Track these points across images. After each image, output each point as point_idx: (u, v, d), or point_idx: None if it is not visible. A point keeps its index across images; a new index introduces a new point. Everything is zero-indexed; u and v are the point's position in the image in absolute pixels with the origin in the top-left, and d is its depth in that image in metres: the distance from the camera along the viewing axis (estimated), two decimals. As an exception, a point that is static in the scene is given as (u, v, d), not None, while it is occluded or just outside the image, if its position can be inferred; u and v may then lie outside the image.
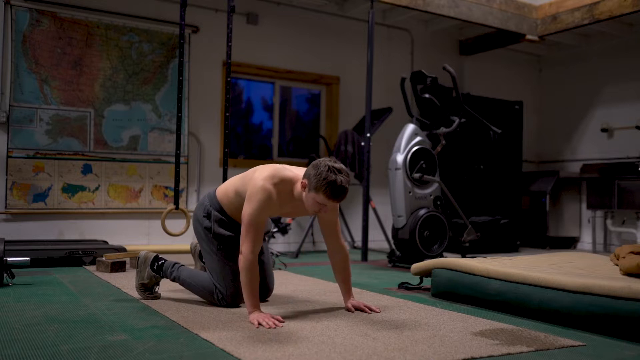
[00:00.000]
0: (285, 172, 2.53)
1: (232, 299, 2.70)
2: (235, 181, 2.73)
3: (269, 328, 2.28)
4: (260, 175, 2.49)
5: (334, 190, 2.33)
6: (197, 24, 5.70)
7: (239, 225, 2.68)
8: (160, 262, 2.91)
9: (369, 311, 2.65)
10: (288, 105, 6.69)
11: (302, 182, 2.42)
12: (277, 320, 2.37)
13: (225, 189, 2.77)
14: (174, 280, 2.88)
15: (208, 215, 2.76)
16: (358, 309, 2.69)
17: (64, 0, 5.12)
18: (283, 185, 2.50)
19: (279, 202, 2.50)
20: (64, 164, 5.11)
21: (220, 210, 2.75)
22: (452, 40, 7.33)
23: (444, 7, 5.94)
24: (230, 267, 2.69)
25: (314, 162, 2.40)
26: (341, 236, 2.71)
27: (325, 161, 2.37)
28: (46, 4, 5.04)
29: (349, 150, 5.74)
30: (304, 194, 2.43)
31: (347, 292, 2.75)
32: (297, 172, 2.56)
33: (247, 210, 2.45)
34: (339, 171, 2.34)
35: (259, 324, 2.32)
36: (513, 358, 1.97)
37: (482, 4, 6.15)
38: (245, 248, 2.42)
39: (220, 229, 2.72)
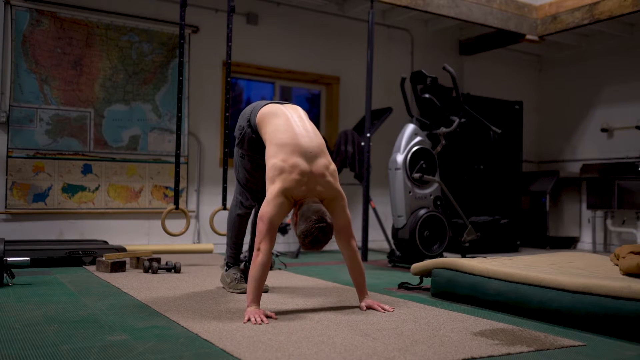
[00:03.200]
0: (298, 187, 2.56)
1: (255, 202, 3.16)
2: (272, 152, 2.67)
3: (255, 324, 2.35)
4: (275, 188, 2.55)
5: (312, 245, 2.51)
6: (197, 24, 5.70)
7: (261, 151, 2.91)
8: (225, 262, 3.33)
9: (382, 310, 2.67)
10: (288, 105, 6.69)
11: (294, 215, 2.58)
12: (267, 316, 2.45)
13: (266, 138, 2.77)
14: (230, 254, 3.30)
15: (244, 126, 2.99)
16: (370, 308, 2.71)
17: (64, 0, 5.12)
18: (297, 194, 2.57)
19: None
20: (64, 164, 5.11)
21: (255, 134, 2.95)
22: (452, 40, 7.33)
23: (444, 7, 5.94)
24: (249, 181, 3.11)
25: (305, 211, 2.50)
26: (353, 237, 2.74)
27: (312, 218, 2.46)
28: (46, 4, 5.04)
29: (349, 150, 5.74)
30: (293, 220, 2.59)
31: (360, 292, 2.80)
32: (317, 170, 2.60)
33: (265, 208, 2.53)
34: (324, 230, 2.47)
35: (248, 319, 2.39)
36: (513, 358, 1.97)
37: (482, 4, 6.15)
38: (264, 246, 2.51)
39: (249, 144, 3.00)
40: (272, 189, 2.55)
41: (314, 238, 2.47)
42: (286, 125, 2.70)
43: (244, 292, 3.07)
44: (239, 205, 3.21)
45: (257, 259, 2.50)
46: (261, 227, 2.52)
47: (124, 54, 5.36)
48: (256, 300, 2.49)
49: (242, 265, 3.36)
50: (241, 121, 3.04)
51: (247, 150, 3.04)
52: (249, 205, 3.20)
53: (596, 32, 6.78)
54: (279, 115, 2.78)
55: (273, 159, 2.60)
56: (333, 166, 2.68)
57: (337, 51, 6.50)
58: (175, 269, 3.96)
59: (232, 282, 3.20)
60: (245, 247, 3.63)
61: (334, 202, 2.64)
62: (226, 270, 3.29)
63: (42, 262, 4.18)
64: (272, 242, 2.53)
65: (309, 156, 2.59)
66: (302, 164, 2.56)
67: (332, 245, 2.86)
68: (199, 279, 3.70)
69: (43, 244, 4.39)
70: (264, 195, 2.68)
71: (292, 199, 2.56)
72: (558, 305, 2.54)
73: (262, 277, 2.50)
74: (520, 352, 2.03)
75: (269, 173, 2.60)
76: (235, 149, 3.13)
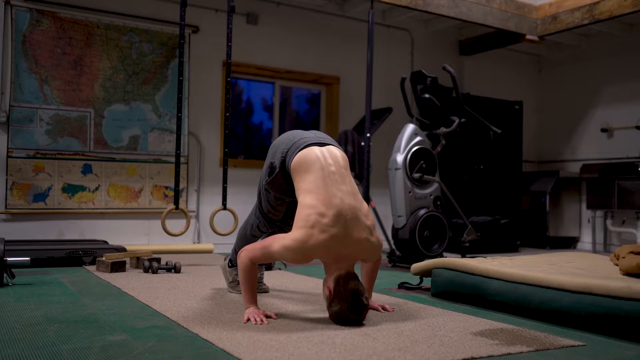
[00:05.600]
0: (325, 250, 2.33)
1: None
2: (305, 195, 2.43)
3: (255, 324, 2.34)
4: (297, 241, 2.33)
5: (343, 325, 2.35)
6: (197, 24, 5.70)
7: (288, 199, 2.75)
8: (229, 259, 3.23)
9: (382, 311, 2.67)
10: (288, 105, 6.69)
11: (327, 288, 2.37)
12: (267, 316, 2.43)
13: (299, 193, 2.50)
14: (234, 257, 3.16)
15: (277, 168, 2.65)
16: (371, 308, 2.70)
17: (64, 0, 5.12)
18: (324, 256, 2.38)
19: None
20: (64, 164, 5.11)
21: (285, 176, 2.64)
22: (452, 40, 7.33)
23: (444, 7, 5.94)
24: (253, 229, 2.97)
25: (340, 290, 2.31)
26: (380, 255, 2.65)
27: (349, 299, 2.29)
28: (46, 4, 5.04)
29: (349, 150, 5.74)
30: (325, 292, 2.40)
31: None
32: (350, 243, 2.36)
33: (274, 246, 2.37)
34: (359, 312, 2.33)
35: (248, 319, 2.39)
36: (513, 358, 1.97)
37: (482, 4, 6.15)
38: (246, 255, 2.43)
39: (273, 189, 2.71)
40: (295, 237, 2.33)
41: (347, 320, 2.34)
42: (323, 186, 2.41)
43: None
44: (256, 228, 2.98)
45: (240, 264, 2.43)
46: (258, 251, 2.41)
47: (124, 54, 5.36)
48: (253, 301, 2.48)
49: None
50: (273, 158, 2.67)
51: (276, 191, 2.73)
52: (266, 230, 2.97)
53: (596, 32, 6.78)
54: (316, 169, 2.46)
55: (309, 210, 2.35)
56: (372, 219, 2.47)
57: (337, 51, 6.50)
58: (175, 269, 3.96)
59: (234, 282, 3.19)
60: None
61: (372, 257, 2.55)
62: (229, 267, 3.26)
63: (42, 262, 4.18)
64: (257, 257, 2.42)
65: (347, 220, 2.35)
66: (339, 228, 2.32)
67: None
68: (199, 279, 3.70)
69: (43, 244, 4.39)
70: (283, 222, 2.65)
71: (311, 258, 2.36)
72: (558, 305, 2.54)
73: (250, 279, 2.44)
74: (520, 352, 2.03)
75: (299, 220, 2.36)
76: (263, 182, 2.78)
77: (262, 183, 2.78)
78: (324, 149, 2.57)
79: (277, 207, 2.83)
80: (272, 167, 2.66)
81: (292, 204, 2.77)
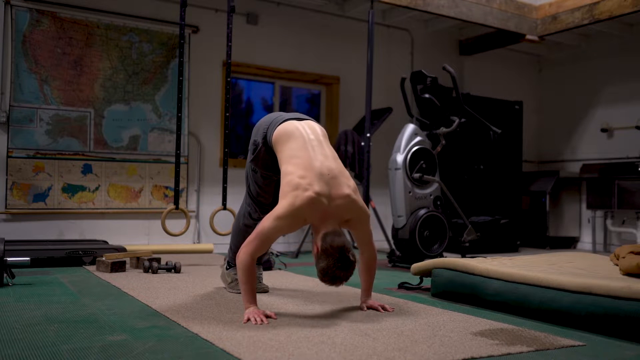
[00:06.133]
0: (312, 209, 2.40)
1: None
2: (287, 164, 2.54)
3: (256, 324, 2.34)
4: (285, 205, 2.41)
5: (331, 283, 2.40)
6: (197, 24, 5.70)
7: (274, 172, 2.81)
8: (226, 261, 3.27)
9: (382, 310, 2.67)
10: (288, 105, 6.69)
11: (315, 246, 2.41)
12: (267, 316, 2.43)
13: (282, 162, 2.61)
14: (232, 256, 3.20)
15: (259, 144, 2.79)
16: (371, 308, 2.71)
17: (64, 0, 5.12)
18: (311, 216, 2.43)
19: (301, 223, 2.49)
20: (64, 164, 5.11)
21: (268, 150, 2.77)
22: (452, 41, 7.33)
23: (444, 7, 5.94)
24: (256, 199, 2.98)
25: (326, 247, 2.35)
26: (373, 244, 2.70)
27: (335, 255, 2.33)
28: (46, 4, 5.04)
29: (349, 150, 5.74)
30: (314, 250, 2.44)
31: (364, 292, 2.78)
32: (338, 193, 2.45)
33: (265, 223, 2.42)
34: (347, 268, 2.35)
35: (248, 319, 2.39)
36: (513, 358, 1.97)
37: (482, 4, 6.15)
38: (245, 251, 2.45)
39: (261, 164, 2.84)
40: (282, 204, 2.41)
41: (334, 277, 2.37)
42: (302, 150, 2.55)
43: None
44: (248, 216, 3.08)
45: (239, 263, 2.44)
46: (254, 241, 2.44)
47: (124, 54, 5.36)
48: (252, 301, 2.48)
49: None
50: (256, 136, 2.84)
51: (260, 167, 2.86)
52: (258, 217, 3.04)
53: (596, 32, 6.78)
54: (296, 137, 2.61)
55: (290, 176, 2.46)
56: (353, 183, 2.55)
57: (337, 51, 6.50)
58: (175, 269, 3.96)
59: (233, 282, 3.20)
60: None
61: (359, 220, 2.56)
62: (227, 269, 3.28)
63: (42, 262, 4.18)
64: (255, 249, 2.43)
65: (327, 179, 2.45)
66: (321, 186, 2.42)
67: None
68: (199, 279, 3.70)
69: (43, 244, 4.39)
70: (274, 207, 2.66)
71: (302, 219, 2.43)
72: (558, 305, 2.54)
73: (250, 279, 2.45)
74: (520, 352, 2.03)
75: (283, 188, 2.46)
76: (248, 162, 2.94)
77: (248, 163, 2.92)
78: (302, 122, 2.74)
79: (264, 187, 2.93)
80: (255, 144, 2.82)
81: (279, 186, 2.78)
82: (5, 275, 3.27)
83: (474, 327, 2.42)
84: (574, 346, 2.15)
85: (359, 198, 2.53)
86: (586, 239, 7.04)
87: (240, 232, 3.11)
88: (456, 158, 6.41)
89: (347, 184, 2.49)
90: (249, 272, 2.45)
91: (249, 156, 2.89)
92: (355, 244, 2.76)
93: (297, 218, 2.41)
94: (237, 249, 3.19)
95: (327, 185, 2.44)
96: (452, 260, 3.18)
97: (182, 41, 4.59)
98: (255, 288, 2.51)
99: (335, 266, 2.34)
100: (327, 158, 2.54)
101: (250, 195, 3.02)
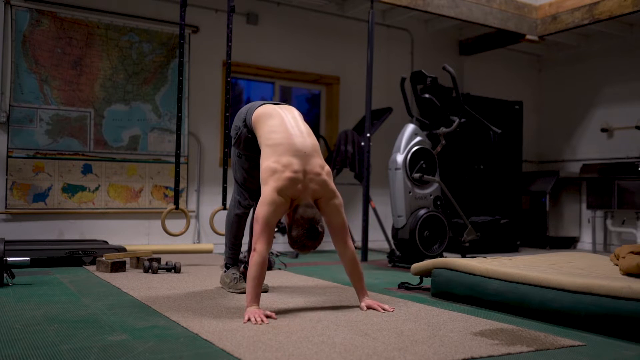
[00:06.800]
0: (292, 185, 2.57)
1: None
2: (266, 154, 2.69)
3: (256, 324, 2.36)
4: (268, 188, 2.56)
5: (300, 251, 2.60)
6: (197, 24, 5.70)
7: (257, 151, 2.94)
8: (224, 263, 3.35)
9: (382, 310, 2.67)
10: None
11: (288, 217, 2.62)
12: (267, 316, 2.45)
13: (261, 140, 2.79)
14: (229, 255, 3.31)
15: (240, 127, 3.03)
16: (370, 308, 2.71)
17: (64, 0, 5.12)
18: (293, 192, 2.58)
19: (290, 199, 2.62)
20: (64, 164, 5.11)
21: (250, 134, 2.98)
22: (452, 41, 7.33)
23: (444, 7, 5.94)
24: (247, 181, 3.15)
25: (298, 218, 2.53)
26: (349, 237, 2.76)
27: (305, 226, 2.51)
28: (46, 4, 5.04)
29: (349, 150, 5.74)
30: (287, 221, 2.64)
31: (360, 292, 2.80)
32: (310, 168, 2.63)
33: (259, 213, 2.54)
34: (315, 238, 2.53)
35: (248, 319, 2.40)
36: (513, 358, 1.97)
37: (482, 4, 6.15)
38: (260, 246, 2.52)
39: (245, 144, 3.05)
40: (266, 189, 2.57)
41: (303, 245, 2.54)
42: (280, 126, 2.74)
43: (244, 292, 3.07)
44: (237, 205, 3.23)
45: (253, 259, 2.51)
46: (257, 228, 2.54)
47: (124, 54, 5.36)
48: (255, 300, 2.50)
49: (242, 267, 3.36)
50: (237, 121, 3.08)
51: (243, 149, 3.08)
52: (247, 204, 3.22)
53: (596, 32, 6.78)
54: (274, 116, 2.82)
55: (266, 162, 2.64)
56: (327, 167, 2.71)
57: (337, 51, 6.50)
58: (175, 269, 3.96)
59: (232, 282, 3.20)
60: (244, 247, 3.63)
61: (329, 202, 2.66)
62: (225, 271, 3.29)
63: (42, 262, 4.18)
64: (268, 242, 2.54)
65: (303, 155, 2.62)
66: (296, 162, 2.59)
67: (332, 245, 2.86)
68: (199, 279, 3.70)
69: (43, 244, 4.39)
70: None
71: (288, 198, 2.57)
72: (558, 305, 2.54)
73: (260, 276, 2.51)
74: (520, 352, 2.03)
75: (262, 175, 2.62)
76: (232, 148, 3.16)
77: (232, 149, 3.15)
78: (280, 105, 2.97)
79: (250, 171, 3.11)
80: (237, 128, 3.06)
81: None
82: (5, 275, 3.27)
83: (474, 327, 2.42)
84: (574, 346, 2.15)
85: (330, 181, 2.68)
86: (586, 239, 7.04)
87: (233, 225, 3.25)
88: (456, 158, 6.41)
89: (320, 165, 2.66)
90: (262, 268, 2.51)
91: (232, 142, 3.11)
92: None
93: (283, 197, 2.55)
94: (233, 246, 3.28)
95: (302, 160, 2.61)
96: (452, 260, 3.18)
97: (182, 41, 4.59)
98: (261, 287, 2.54)
99: (304, 236, 2.52)
100: (302, 133, 2.73)
101: (238, 182, 3.21)
